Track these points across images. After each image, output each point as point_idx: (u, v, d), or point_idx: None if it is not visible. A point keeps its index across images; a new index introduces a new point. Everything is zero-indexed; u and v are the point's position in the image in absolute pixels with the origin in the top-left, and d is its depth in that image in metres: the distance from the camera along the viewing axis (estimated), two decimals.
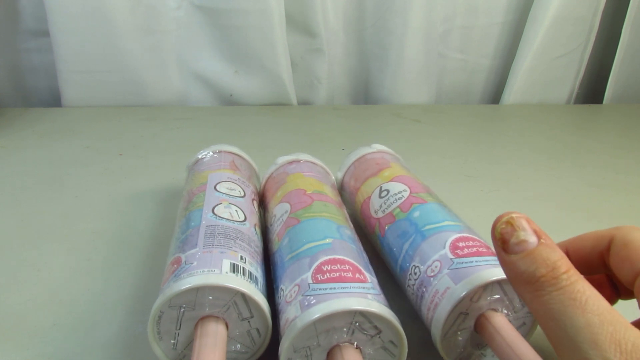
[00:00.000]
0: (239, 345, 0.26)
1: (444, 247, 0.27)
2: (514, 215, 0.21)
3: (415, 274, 0.28)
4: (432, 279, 0.26)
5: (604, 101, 0.91)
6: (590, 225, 0.45)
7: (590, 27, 0.85)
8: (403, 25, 0.79)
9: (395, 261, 0.30)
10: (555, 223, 0.45)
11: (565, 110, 0.88)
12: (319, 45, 0.79)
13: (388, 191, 0.34)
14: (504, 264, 0.21)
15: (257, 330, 0.26)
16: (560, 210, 0.47)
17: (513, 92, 0.85)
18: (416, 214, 0.31)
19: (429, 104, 0.87)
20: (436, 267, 0.26)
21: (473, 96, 0.92)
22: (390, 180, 0.35)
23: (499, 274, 0.24)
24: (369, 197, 0.35)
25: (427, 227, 0.29)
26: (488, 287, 0.25)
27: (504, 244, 0.21)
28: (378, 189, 0.35)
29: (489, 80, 0.91)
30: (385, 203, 0.33)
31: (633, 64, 0.89)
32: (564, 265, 0.19)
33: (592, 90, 0.96)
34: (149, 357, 0.26)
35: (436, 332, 0.25)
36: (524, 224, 0.21)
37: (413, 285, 0.28)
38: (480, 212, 0.46)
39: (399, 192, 0.33)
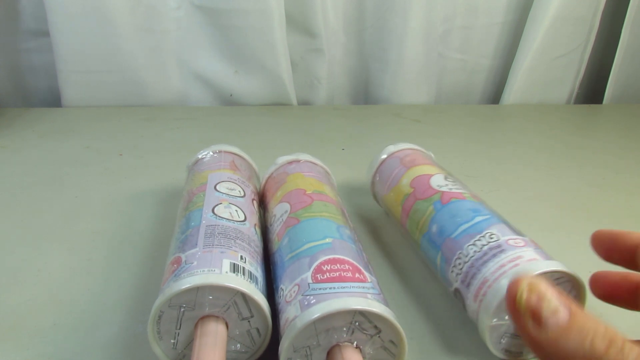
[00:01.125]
0: (239, 345, 0.26)
1: (523, 237, 0.30)
2: (530, 280, 0.17)
3: (491, 238, 0.29)
4: (515, 248, 0.28)
5: (604, 101, 0.91)
6: (590, 225, 0.45)
7: (590, 27, 0.85)
8: (403, 25, 0.79)
9: (458, 224, 0.31)
10: (555, 223, 0.45)
11: (565, 110, 0.88)
12: (319, 45, 0.79)
13: (455, 179, 0.37)
14: (544, 344, 0.16)
15: (257, 329, 0.26)
16: (560, 210, 0.47)
17: (513, 92, 0.85)
18: (484, 208, 0.33)
19: (429, 104, 0.87)
20: (518, 243, 0.28)
21: (473, 96, 0.92)
22: (451, 175, 0.38)
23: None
24: (431, 175, 0.37)
25: (502, 216, 0.32)
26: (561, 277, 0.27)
27: (536, 318, 0.16)
28: (442, 175, 0.37)
29: (489, 80, 0.91)
30: (453, 184, 0.36)
31: (633, 64, 0.89)
32: (618, 335, 0.15)
33: (592, 90, 0.96)
34: (149, 357, 0.26)
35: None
36: (545, 289, 0.17)
37: (484, 246, 0.29)
38: None
39: (463, 187, 0.36)
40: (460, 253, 0.29)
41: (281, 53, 0.76)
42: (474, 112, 0.83)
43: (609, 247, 0.25)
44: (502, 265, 0.27)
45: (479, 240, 0.29)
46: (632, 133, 0.74)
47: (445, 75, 0.88)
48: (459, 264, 0.29)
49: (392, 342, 0.25)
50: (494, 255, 0.28)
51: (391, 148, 0.42)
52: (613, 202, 0.49)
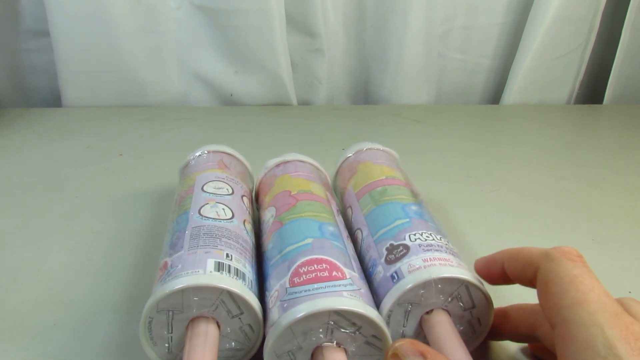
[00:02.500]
0: (233, 343, 0.26)
1: None
2: (396, 344, 0.21)
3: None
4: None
5: (604, 101, 0.90)
6: (590, 225, 0.45)
7: (590, 27, 0.85)
8: (403, 25, 0.79)
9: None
10: (555, 223, 0.45)
11: (565, 110, 0.88)
12: (319, 46, 0.79)
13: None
14: None
15: (250, 326, 0.26)
16: (560, 210, 0.47)
17: (513, 92, 0.85)
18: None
19: (429, 104, 0.87)
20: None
21: (473, 96, 0.92)
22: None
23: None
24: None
25: None
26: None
27: None
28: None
29: (489, 80, 0.91)
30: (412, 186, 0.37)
31: (633, 65, 0.89)
32: None
33: (592, 90, 0.96)
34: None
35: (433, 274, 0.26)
36: (407, 348, 0.21)
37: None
38: (480, 212, 0.46)
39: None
40: (438, 230, 0.30)
41: (281, 53, 0.76)
42: (474, 112, 0.83)
43: (487, 272, 0.26)
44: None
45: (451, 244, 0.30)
46: (632, 133, 0.74)
47: (445, 75, 0.88)
48: (428, 235, 0.29)
49: (375, 336, 0.24)
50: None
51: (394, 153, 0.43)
52: (613, 202, 0.49)
